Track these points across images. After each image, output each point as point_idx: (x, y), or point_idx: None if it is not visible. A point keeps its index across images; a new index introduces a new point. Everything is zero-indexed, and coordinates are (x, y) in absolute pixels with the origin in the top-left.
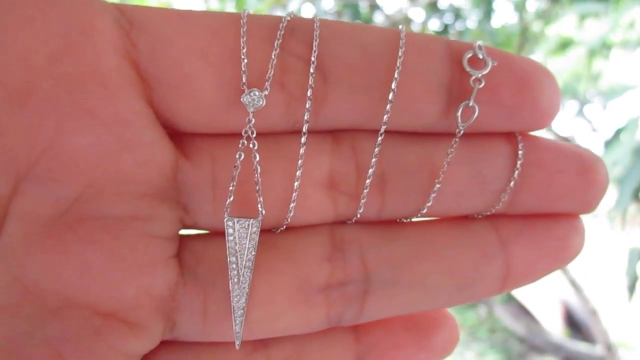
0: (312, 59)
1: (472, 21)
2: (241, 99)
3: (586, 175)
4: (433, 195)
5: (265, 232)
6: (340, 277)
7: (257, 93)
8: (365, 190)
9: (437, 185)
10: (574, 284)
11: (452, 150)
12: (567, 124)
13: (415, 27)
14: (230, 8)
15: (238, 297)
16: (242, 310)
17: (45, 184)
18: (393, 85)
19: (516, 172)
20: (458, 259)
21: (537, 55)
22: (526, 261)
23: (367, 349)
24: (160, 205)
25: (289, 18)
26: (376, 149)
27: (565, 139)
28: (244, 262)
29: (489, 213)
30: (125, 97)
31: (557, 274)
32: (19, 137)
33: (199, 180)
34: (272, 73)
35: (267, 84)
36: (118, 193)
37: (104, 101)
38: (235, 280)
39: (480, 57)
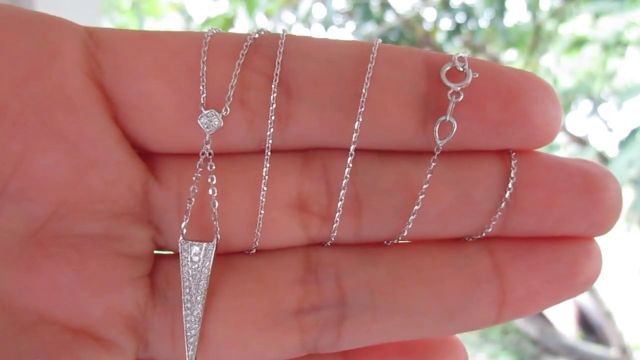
0: (274, 74)
1: (484, 20)
2: (198, 121)
3: (593, 194)
4: (412, 217)
5: (236, 253)
6: (314, 301)
7: (214, 114)
8: (338, 213)
9: (416, 207)
10: None
11: (431, 168)
12: (581, 124)
13: (427, 26)
14: (242, 8)
15: (190, 323)
16: (194, 338)
17: (18, 202)
18: (362, 100)
19: (508, 192)
20: (445, 283)
21: (551, 54)
22: (526, 288)
23: None
24: (131, 225)
25: (256, 35)
26: (347, 169)
27: (580, 139)
28: (197, 287)
29: (480, 236)
30: (91, 117)
31: None
32: None
33: (166, 202)
34: (232, 93)
35: (226, 104)
36: (89, 212)
37: (70, 120)
38: (188, 305)
39: (461, 69)
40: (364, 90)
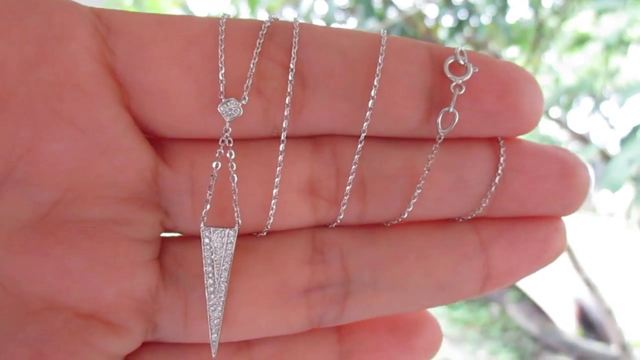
0: (291, 65)
1: (486, 17)
2: (218, 109)
3: (567, 179)
4: (414, 200)
5: (246, 235)
6: (321, 279)
7: (234, 103)
8: (345, 197)
9: (418, 191)
10: (588, 283)
11: (433, 156)
12: (583, 122)
13: (429, 23)
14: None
15: (214, 306)
16: (218, 320)
17: (24, 188)
18: (372, 92)
19: (497, 177)
20: (438, 260)
21: (553, 52)
22: (507, 262)
23: (350, 350)
24: (140, 210)
25: (269, 23)
26: (356, 156)
27: (581, 137)
28: (220, 272)
29: (470, 217)
30: (101, 103)
31: (571, 273)
32: None
33: (178, 186)
34: (250, 82)
35: (245, 93)
36: (97, 197)
37: (80, 107)
38: (212, 289)
39: (462, 63)
40: (375, 82)
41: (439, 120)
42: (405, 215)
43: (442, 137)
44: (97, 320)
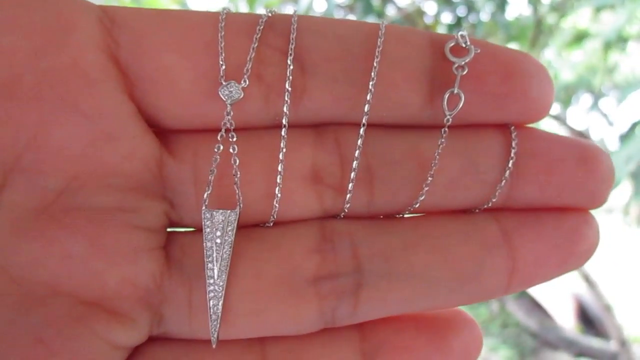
0: (290, 50)
1: (485, 14)
2: (219, 92)
3: (588, 164)
4: (426, 188)
5: (253, 226)
6: (331, 268)
7: (234, 85)
8: (351, 184)
9: (430, 178)
10: (587, 279)
11: (443, 140)
12: (582, 118)
13: (428, 20)
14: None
15: (214, 292)
16: (218, 303)
17: (32, 175)
18: (373, 74)
19: (510, 161)
20: (457, 250)
21: (552, 48)
22: (534, 253)
23: (375, 348)
24: (145, 198)
25: (269, 15)
26: (359, 141)
27: (580, 133)
28: (221, 254)
29: (487, 206)
30: (106, 91)
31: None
32: (5, 129)
33: (182, 176)
34: (250, 66)
35: (245, 76)
36: (103, 185)
37: (85, 95)
38: (210, 274)
39: (463, 45)
40: (375, 64)
41: (445, 101)
42: (417, 205)
43: (450, 120)
44: (100, 308)
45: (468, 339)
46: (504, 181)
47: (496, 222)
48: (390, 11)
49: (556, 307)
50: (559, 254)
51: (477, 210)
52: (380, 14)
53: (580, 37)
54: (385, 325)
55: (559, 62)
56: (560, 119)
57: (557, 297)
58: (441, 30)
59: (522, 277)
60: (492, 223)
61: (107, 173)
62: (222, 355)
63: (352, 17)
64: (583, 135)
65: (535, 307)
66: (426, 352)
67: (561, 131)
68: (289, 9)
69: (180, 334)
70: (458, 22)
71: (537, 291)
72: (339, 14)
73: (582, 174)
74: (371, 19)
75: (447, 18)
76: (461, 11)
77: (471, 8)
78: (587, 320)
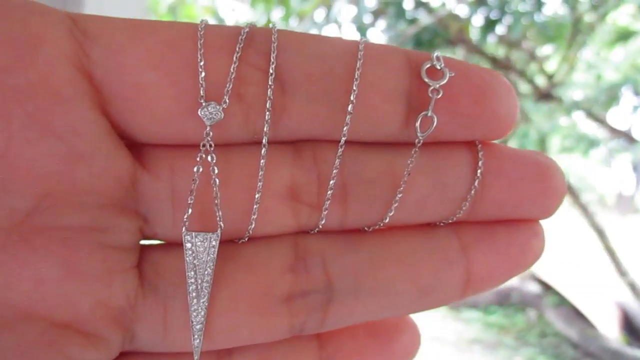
0: (271, 70)
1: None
2: (199, 113)
3: (544, 182)
4: (395, 205)
5: (227, 242)
6: (303, 287)
7: (214, 106)
8: (327, 202)
9: (399, 195)
10: (633, 287)
11: (413, 160)
12: (625, 118)
13: (461, 23)
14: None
15: (196, 312)
16: (201, 325)
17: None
18: (352, 97)
19: (477, 180)
20: (420, 265)
21: (590, 48)
22: (487, 267)
23: (330, 356)
24: (118, 216)
25: (247, 29)
26: (337, 160)
27: (625, 134)
28: (203, 277)
29: (450, 221)
30: (78, 108)
31: (613, 276)
32: None
33: (157, 192)
34: (230, 87)
35: (225, 97)
36: (74, 204)
37: (56, 112)
38: (194, 294)
39: (438, 67)
40: (354, 87)
41: (418, 124)
42: (387, 220)
43: (421, 141)
44: (73, 331)
45: (408, 340)
46: (469, 199)
47: (457, 239)
48: (422, 15)
49: (599, 316)
50: (509, 264)
51: (441, 224)
52: (413, 19)
53: (623, 36)
54: (341, 332)
55: (599, 61)
56: (601, 119)
57: (600, 305)
58: (474, 33)
59: (474, 286)
60: (453, 240)
61: (79, 191)
62: None
63: (381, 22)
64: (629, 136)
65: (576, 315)
66: (376, 356)
67: (600, 133)
68: (321, 13)
69: (151, 349)
70: (492, 25)
71: (578, 299)
72: (367, 19)
73: (539, 190)
74: (402, 24)
75: (479, 20)
76: (494, 14)
77: (504, 11)
78: (633, 330)
